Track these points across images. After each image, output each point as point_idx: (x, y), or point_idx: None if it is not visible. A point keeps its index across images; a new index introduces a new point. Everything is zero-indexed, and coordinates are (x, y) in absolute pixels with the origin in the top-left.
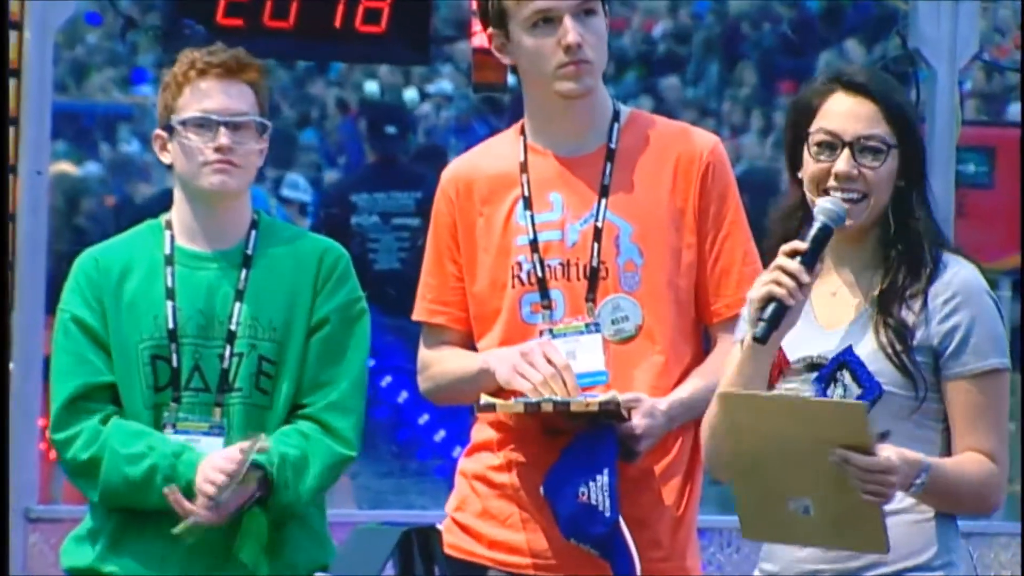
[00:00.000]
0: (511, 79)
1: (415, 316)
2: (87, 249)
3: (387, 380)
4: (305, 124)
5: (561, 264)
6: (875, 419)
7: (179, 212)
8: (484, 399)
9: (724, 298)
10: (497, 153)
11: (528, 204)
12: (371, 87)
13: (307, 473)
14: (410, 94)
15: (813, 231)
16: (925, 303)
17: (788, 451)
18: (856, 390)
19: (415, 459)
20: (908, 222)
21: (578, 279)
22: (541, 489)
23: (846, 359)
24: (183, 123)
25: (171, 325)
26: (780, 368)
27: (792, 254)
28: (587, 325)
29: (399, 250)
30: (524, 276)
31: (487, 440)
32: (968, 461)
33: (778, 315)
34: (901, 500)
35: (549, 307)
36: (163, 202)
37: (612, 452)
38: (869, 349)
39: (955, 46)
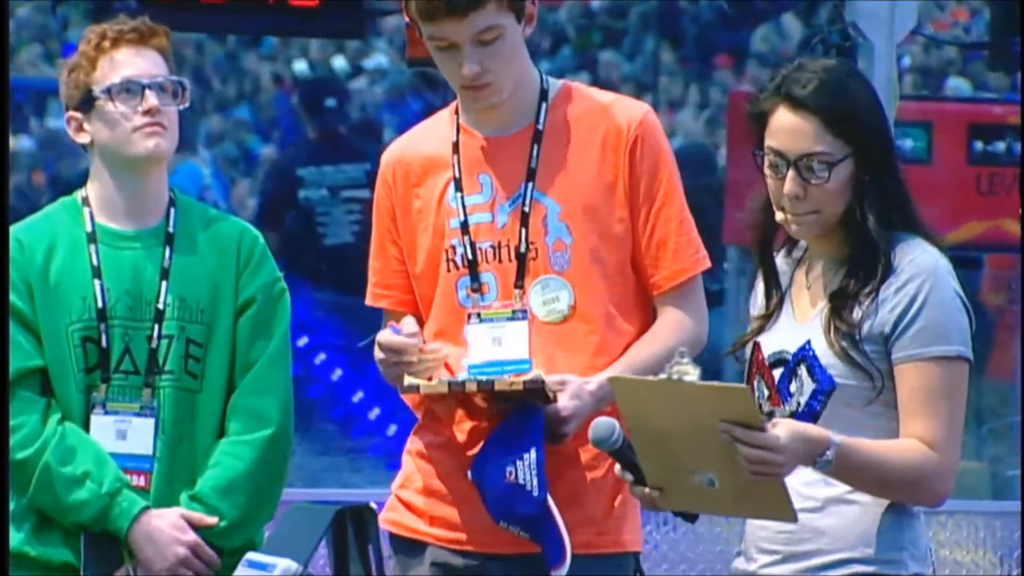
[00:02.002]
0: None
1: (367, 301)
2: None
3: (321, 357)
4: (239, 99)
5: (492, 247)
6: (832, 411)
7: (99, 189)
8: (408, 380)
9: (663, 270)
10: (431, 135)
11: (459, 186)
12: (301, 65)
13: (234, 494)
14: (339, 63)
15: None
16: (876, 294)
17: (682, 432)
18: (811, 384)
19: (349, 437)
20: (872, 210)
21: (509, 261)
22: (468, 473)
23: (803, 354)
24: (108, 91)
25: (100, 305)
26: (757, 366)
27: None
28: (514, 312)
29: (351, 223)
30: (458, 259)
31: (431, 419)
32: (899, 445)
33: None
34: (850, 489)
35: (480, 291)
36: None
37: (539, 431)
38: (824, 344)
39: (893, 19)
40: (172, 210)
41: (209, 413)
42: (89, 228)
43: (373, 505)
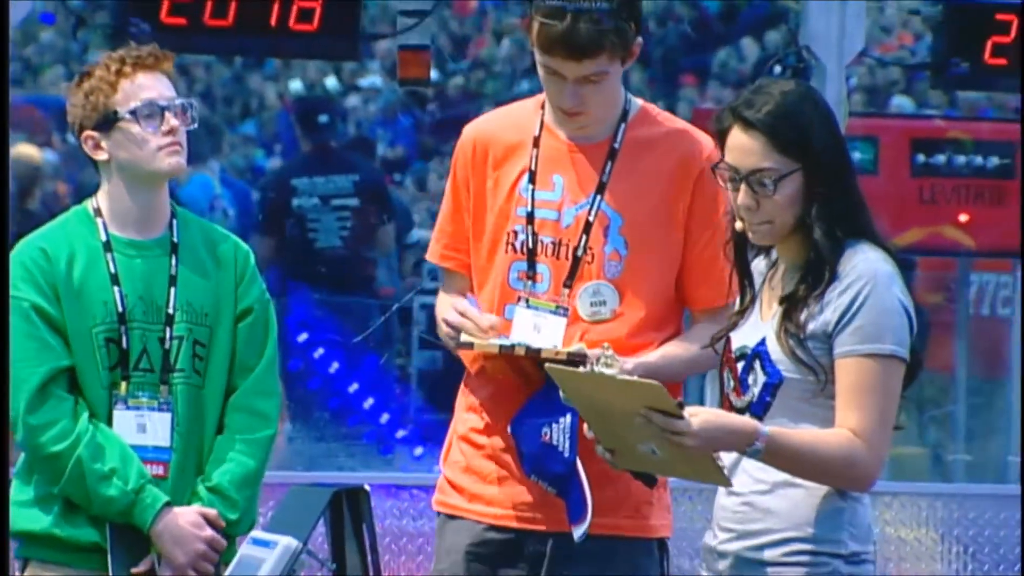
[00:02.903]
0: (434, 74)
1: (428, 257)
2: (25, 238)
3: (320, 352)
4: (245, 116)
5: (553, 242)
6: (781, 403)
7: (112, 201)
8: (464, 337)
9: (710, 290)
10: (515, 123)
11: (532, 179)
12: (296, 85)
13: (247, 487)
14: (332, 82)
15: None
16: (822, 297)
17: (615, 414)
18: (763, 377)
19: (345, 425)
20: (823, 219)
21: (566, 258)
22: (508, 428)
23: (759, 350)
24: (133, 113)
25: (120, 309)
26: (726, 359)
27: None
28: (557, 307)
29: (340, 229)
30: (518, 245)
31: (471, 404)
32: (828, 435)
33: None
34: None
35: (533, 278)
36: None
37: None
38: (775, 342)
39: (843, 43)
40: (174, 221)
41: (212, 408)
42: (104, 238)
43: (367, 487)
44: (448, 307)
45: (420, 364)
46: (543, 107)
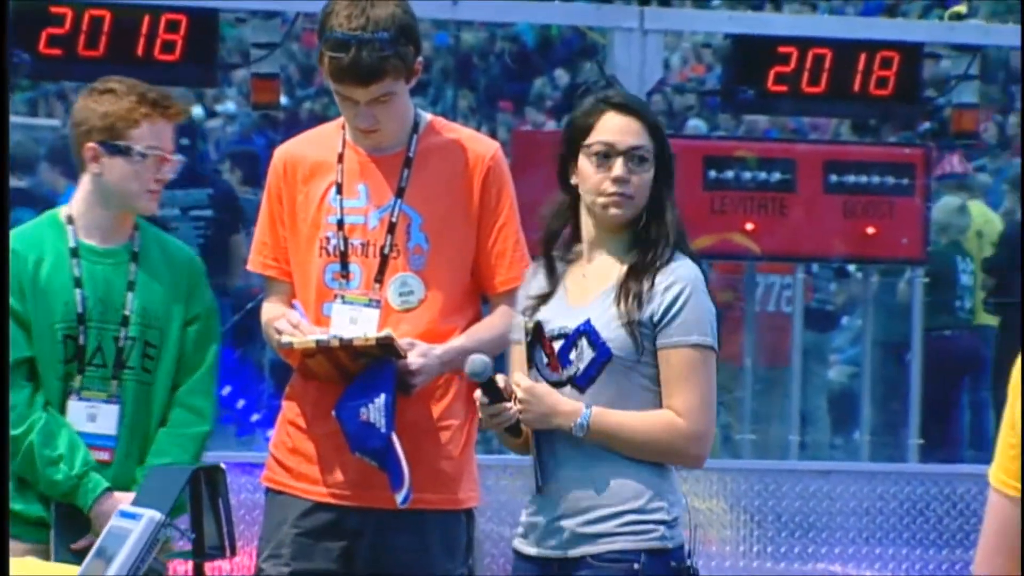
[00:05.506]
0: (284, 100)
1: (250, 267)
2: None
3: None
4: None
5: (362, 244)
6: (606, 377)
7: (86, 212)
8: (284, 338)
9: (500, 275)
10: (320, 143)
11: (340, 190)
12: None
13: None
14: (197, 111)
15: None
16: (653, 284)
17: None
18: (591, 353)
19: None
20: (660, 219)
21: (374, 256)
22: (333, 412)
23: (585, 329)
24: (142, 155)
25: (80, 310)
26: (538, 339)
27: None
28: (370, 300)
29: (196, 237)
30: (331, 249)
31: (298, 392)
32: (651, 415)
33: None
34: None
35: (347, 277)
36: None
37: (389, 380)
38: (606, 319)
39: (644, 72)
40: (136, 233)
41: (158, 403)
42: (72, 244)
43: (222, 465)
44: (281, 319)
45: (272, 356)
46: (344, 128)
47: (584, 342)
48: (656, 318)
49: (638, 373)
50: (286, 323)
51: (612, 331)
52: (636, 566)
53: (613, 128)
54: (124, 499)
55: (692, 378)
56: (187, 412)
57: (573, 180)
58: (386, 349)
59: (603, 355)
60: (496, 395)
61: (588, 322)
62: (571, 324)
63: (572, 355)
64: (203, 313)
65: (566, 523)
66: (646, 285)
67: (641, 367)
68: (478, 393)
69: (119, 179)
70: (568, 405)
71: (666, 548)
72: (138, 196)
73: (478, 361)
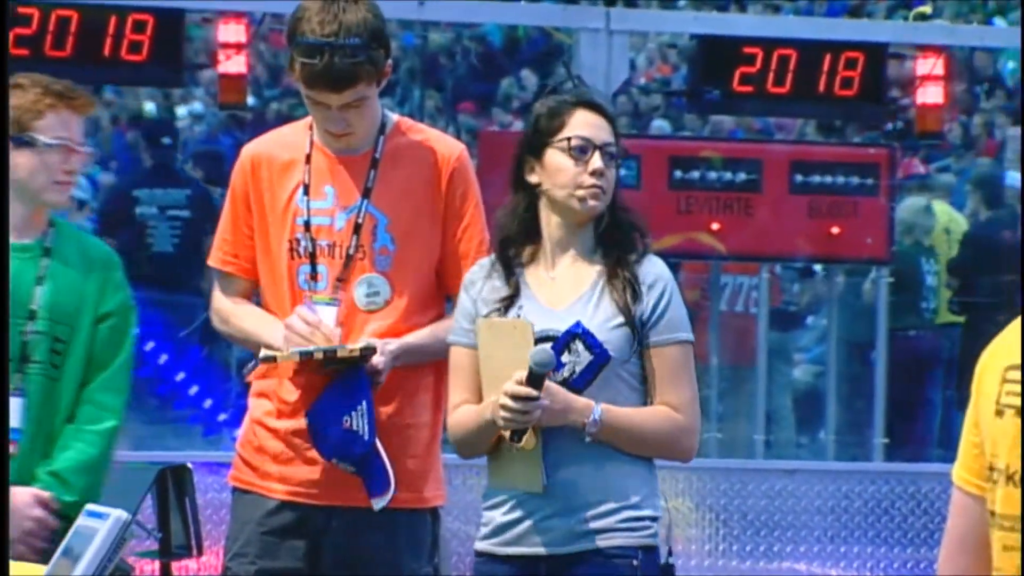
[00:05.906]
0: (251, 100)
1: (211, 262)
2: None
3: (151, 345)
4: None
5: (329, 245)
6: (605, 380)
7: None
8: (264, 352)
9: (464, 276)
10: (287, 143)
11: (307, 191)
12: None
13: (86, 473)
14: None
15: (528, 374)
16: (634, 283)
17: (508, 368)
18: (588, 356)
19: (172, 409)
20: (622, 217)
21: (340, 257)
22: (306, 418)
23: (578, 331)
24: (48, 145)
25: None
26: None
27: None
28: (331, 299)
29: (172, 236)
30: (300, 251)
31: (265, 391)
32: (652, 411)
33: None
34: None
35: (315, 278)
36: None
37: (367, 387)
38: (599, 320)
39: (610, 73)
40: (51, 229)
41: (66, 400)
42: None
43: (189, 465)
44: (295, 317)
45: (239, 354)
46: (311, 128)
47: (579, 345)
48: (645, 316)
49: (626, 372)
50: (300, 322)
51: (607, 333)
52: (635, 562)
53: (587, 124)
54: (19, 495)
55: (683, 374)
56: (95, 408)
57: (533, 179)
58: (366, 357)
59: (602, 357)
60: (539, 390)
61: (579, 324)
62: (556, 326)
63: (564, 358)
64: (116, 310)
65: (560, 520)
66: (632, 283)
67: (629, 366)
68: (526, 389)
69: (27, 172)
70: (580, 402)
71: (656, 545)
72: (45, 188)
73: (545, 353)
